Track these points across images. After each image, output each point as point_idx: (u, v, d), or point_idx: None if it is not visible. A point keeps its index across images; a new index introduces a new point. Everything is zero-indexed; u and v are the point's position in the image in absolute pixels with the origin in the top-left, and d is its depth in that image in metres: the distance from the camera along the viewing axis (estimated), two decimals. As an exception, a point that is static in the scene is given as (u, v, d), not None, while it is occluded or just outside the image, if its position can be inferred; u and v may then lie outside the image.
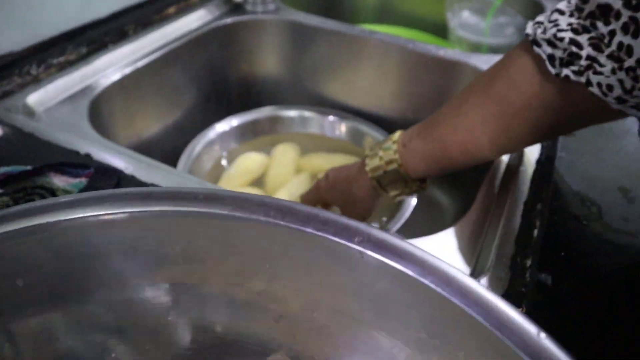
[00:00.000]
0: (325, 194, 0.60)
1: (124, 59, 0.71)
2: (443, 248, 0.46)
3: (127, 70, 0.70)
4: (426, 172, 0.51)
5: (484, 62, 0.74)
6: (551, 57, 0.37)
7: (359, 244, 0.27)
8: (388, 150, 0.51)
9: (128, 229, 0.29)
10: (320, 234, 0.28)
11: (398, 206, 0.71)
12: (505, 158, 0.58)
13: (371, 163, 0.53)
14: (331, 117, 0.86)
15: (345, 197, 0.58)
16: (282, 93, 0.95)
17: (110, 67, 0.69)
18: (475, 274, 0.42)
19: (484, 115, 0.43)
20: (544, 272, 0.41)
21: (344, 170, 0.58)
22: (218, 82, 0.90)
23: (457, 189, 0.84)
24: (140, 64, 0.72)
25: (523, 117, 0.41)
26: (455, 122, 0.46)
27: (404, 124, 0.57)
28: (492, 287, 0.40)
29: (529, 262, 0.42)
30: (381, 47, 0.82)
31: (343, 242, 0.27)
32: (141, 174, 0.49)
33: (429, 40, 1.06)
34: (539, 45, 0.38)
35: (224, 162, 0.81)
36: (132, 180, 0.48)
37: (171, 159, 0.75)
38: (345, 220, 0.28)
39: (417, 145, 0.49)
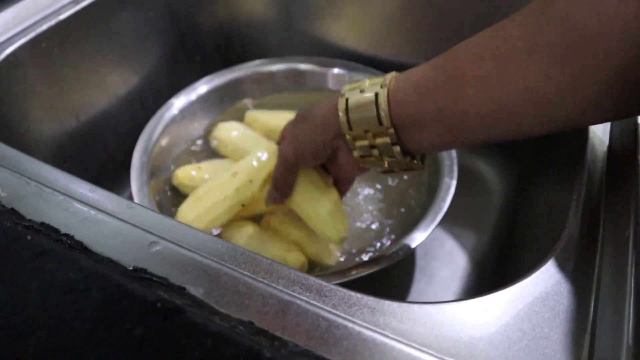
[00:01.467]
0: (288, 132, 0.43)
1: (40, 10, 0.51)
2: (520, 314, 0.27)
3: (45, 27, 0.50)
4: (416, 108, 0.33)
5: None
6: None
7: None
8: (378, 78, 0.35)
9: None
10: None
11: (432, 190, 0.52)
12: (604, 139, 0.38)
13: (348, 87, 0.37)
14: (336, 70, 0.65)
15: (304, 115, 0.41)
16: (272, 42, 0.74)
17: (18, 24, 0.49)
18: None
19: (533, 40, 0.27)
20: None
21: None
22: (186, 32, 0.69)
23: (507, 161, 0.64)
24: (64, 15, 0.51)
25: (593, 51, 0.25)
26: (485, 47, 0.29)
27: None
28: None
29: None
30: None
31: None
32: (26, 205, 0.31)
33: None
34: None
35: (199, 142, 0.62)
36: (4, 222, 0.29)
37: (129, 145, 0.56)
38: None
39: (418, 71, 0.33)
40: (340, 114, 0.36)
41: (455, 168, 0.51)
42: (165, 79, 0.67)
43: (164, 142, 0.58)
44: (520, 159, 0.62)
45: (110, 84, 0.60)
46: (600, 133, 0.38)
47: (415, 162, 0.37)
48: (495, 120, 0.30)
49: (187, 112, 0.61)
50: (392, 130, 0.34)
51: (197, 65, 0.72)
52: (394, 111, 0.33)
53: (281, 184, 0.45)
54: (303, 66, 0.66)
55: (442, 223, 0.54)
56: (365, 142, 0.36)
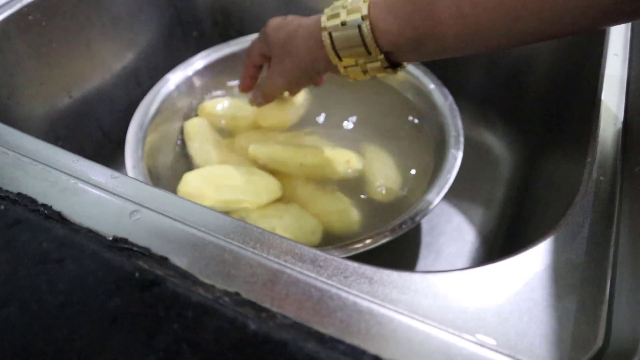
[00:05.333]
0: (270, 32, 0.45)
1: (26, -19, 0.49)
2: (532, 283, 0.25)
3: (31, -1, 0.48)
4: (397, 36, 0.34)
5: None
6: None
7: None
8: (353, 3, 0.36)
9: None
10: None
11: (437, 162, 0.49)
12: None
13: (329, 10, 0.38)
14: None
15: (285, 45, 0.43)
16: (271, 15, 0.71)
17: (3, -5, 0.47)
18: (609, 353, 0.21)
19: None
20: None
21: (305, 18, 0.42)
22: (182, 5, 0.67)
23: (515, 132, 0.61)
24: (52, -13, 0.49)
25: None
26: None
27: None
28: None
29: None
30: None
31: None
32: (3, 175, 0.29)
33: None
34: None
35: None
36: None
37: (126, 123, 0.54)
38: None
39: None
40: (328, 49, 0.37)
41: (462, 139, 0.49)
42: (161, 55, 0.65)
43: (160, 118, 0.56)
44: (529, 130, 0.59)
45: (103, 60, 0.58)
46: (615, 92, 0.36)
47: (398, 69, 0.38)
48: (469, 39, 0.31)
49: (183, 87, 0.59)
50: (381, 57, 0.36)
51: (194, 41, 0.70)
52: (379, 42, 0.35)
53: (269, 98, 0.49)
54: (303, 39, 0.63)
55: (449, 198, 0.52)
56: (355, 67, 0.38)
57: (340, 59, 0.37)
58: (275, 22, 0.45)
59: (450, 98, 0.53)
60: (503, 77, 0.60)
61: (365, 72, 0.38)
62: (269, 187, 0.49)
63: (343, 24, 0.36)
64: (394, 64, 0.37)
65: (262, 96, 0.49)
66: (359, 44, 0.35)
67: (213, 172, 0.51)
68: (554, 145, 0.52)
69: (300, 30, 0.41)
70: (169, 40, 0.66)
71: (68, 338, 0.20)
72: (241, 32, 0.69)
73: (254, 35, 0.63)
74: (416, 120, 0.56)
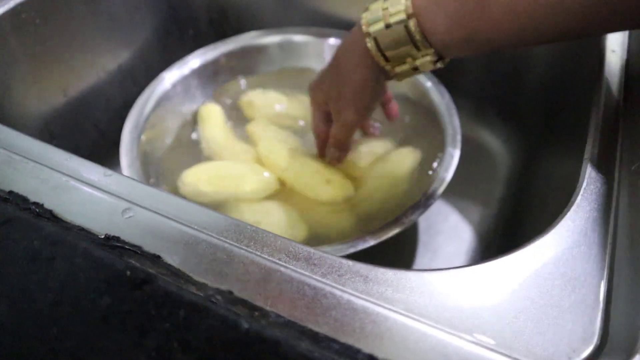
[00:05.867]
0: (316, 91, 0.45)
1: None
2: (528, 281, 0.24)
3: (25, -4, 0.47)
4: (446, 34, 0.34)
5: None
6: None
7: None
8: (393, 4, 0.35)
9: None
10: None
11: (434, 160, 0.49)
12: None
13: (368, 15, 0.37)
14: (332, 40, 0.62)
15: (334, 80, 0.42)
16: (268, 13, 0.71)
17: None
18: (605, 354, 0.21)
19: None
20: None
21: (337, 45, 0.43)
22: (179, 5, 0.66)
23: (513, 130, 0.61)
24: (46, -15, 0.49)
25: None
26: None
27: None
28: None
29: None
30: None
31: None
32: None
33: None
34: None
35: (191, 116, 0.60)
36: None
37: (122, 122, 0.53)
38: None
39: None
40: (374, 53, 0.37)
41: (459, 137, 0.49)
42: (157, 54, 0.65)
43: (155, 116, 0.56)
44: (526, 128, 0.59)
45: (99, 58, 0.58)
46: (613, 89, 0.36)
47: (445, 60, 0.37)
48: (520, 35, 0.31)
49: (179, 85, 0.59)
50: (432, 51, 0.35)
51: (190, 40, 0.69)
52: (428, 34, 0.34)
53: (345, 144, 0.47)
54: (298, 37, 0.63)
55: (446, 196, 0.52)
56: (404, 66, 0.37)
57: (387, 60, 0.37)
58: (313, 82, 0.46)
59: (447, 96, 0.53)
60: (500, 75, 0.59)
61: (415, 69, 0.37)
62: (267, 185, 0.49)
63: (388, 26, 0.35)
64: (441, 57, 0.37)
65: (339, 146, 0.46)
66: (407, 43, 0.35)
67: (211, 170, 0.51)
68: (551, 143, 0.52)
69: (340, 56, 0.41)
70: (165, 38, 0.66)
71: (59, 337, 0.20)
72: (238, 30, 0.69)
73: (251, 34, 0.63)
74: (413, 119, 0.56)
